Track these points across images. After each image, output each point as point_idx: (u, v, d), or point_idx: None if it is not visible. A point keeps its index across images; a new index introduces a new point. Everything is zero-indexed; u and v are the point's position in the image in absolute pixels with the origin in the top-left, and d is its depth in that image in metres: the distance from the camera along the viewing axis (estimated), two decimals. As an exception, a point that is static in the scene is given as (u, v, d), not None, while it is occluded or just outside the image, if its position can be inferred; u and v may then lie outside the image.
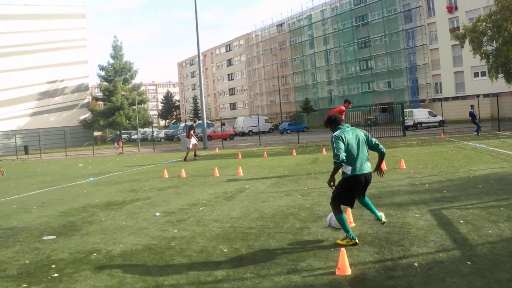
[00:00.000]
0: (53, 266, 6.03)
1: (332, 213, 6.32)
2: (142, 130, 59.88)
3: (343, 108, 14.09)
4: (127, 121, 63.42)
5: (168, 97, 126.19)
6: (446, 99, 56.26)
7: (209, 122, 74.74)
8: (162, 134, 66.09)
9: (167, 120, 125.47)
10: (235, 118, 77.99)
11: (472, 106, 29.38)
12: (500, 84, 48.80)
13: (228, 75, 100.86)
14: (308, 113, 72.74)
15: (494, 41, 33.77)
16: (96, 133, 67.21)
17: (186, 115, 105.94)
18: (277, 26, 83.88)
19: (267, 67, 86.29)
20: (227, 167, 18.23)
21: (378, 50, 64.85)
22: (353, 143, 6.03)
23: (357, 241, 6.15)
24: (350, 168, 6.02)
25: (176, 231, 7.75)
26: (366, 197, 6.62)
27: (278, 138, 44.73)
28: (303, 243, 6.49)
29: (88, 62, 70.83)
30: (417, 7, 58.93)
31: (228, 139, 51.58)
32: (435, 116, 46.56)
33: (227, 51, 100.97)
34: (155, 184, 14.37)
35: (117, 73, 67.02)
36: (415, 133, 36.90)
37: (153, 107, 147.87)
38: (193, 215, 9.06)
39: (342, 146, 5.90)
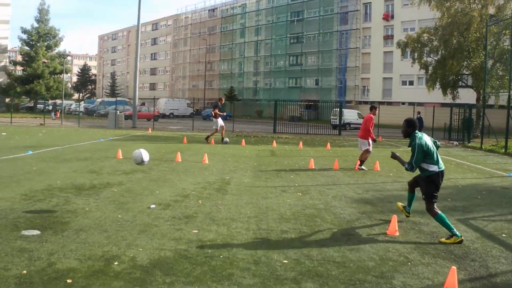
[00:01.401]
0: (68, 280, 4.27)
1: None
2: (59, 101, 55.14)
3: (372, 116, 13.92)
4: (47, 91, 58.01)
5: (85, 70, 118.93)
6: (372, 102, 57.29)
7: (127, 100, 71.30)
8: (81, 108, 61.53)
9: (81, 94, 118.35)
10: (153, 98, 74.98)
11: (419, 113, 29.59)
12: (425, 94, 50.62)
13: (152, 54, 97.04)
14: (232, 102, 71.30)
15: (437, 53, 34.35)
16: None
17: (103, 90, 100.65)
18: (209, 10, 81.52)
19: (194, 51, 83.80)
20: (183, 152, 16.52)
21: (310, 47, 64.99)
22: (430, 145, 6.44)
23: (462, 238, 6.16)
24: (435, 166, 6.38)
25: (196, 231, 6.24)
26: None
27: (205, 124, 42.65)
28: (370, 256, 5.47)
29: (9, 22, 64.32)
30: (355, 11, 59.74)
31: (153, 120, 48.99)
32: (363, 118, 47.10)
33: (153, 30, 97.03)
34: (115, 166, 12.44)
35: (40, 38, 61.13)
36: (346, 133, 36.68)
37: (67, 79, 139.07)
38: (197, 210, 7.56)
39: (420, 158, 6.32)
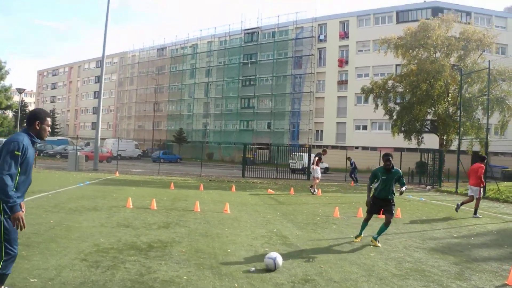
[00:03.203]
0: None
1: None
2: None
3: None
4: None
5: (22, 106, 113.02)
6: (326, 146, 57.85)
7: (69, 139, 68.41)
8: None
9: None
10: (101, 139, 72.26)
11: (350, 158, 30.59)
12: (379, 139, 52.06)
13: (95, 92, 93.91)
14: (180, 144, 69.98)
15: (402, 99, 35.23)
16: None
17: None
18: (158, 49, 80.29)
19: (140, 91, 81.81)
20: (182, 199, 15.49)
21: (263, 90, 65.28)
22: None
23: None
24: None
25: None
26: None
27: (163, 167, 40.73)
28: None
29: None
30: (309, 55, 60.80)
31: (106, 161, 46.99)
32: (322, 162, 47.14)
33: (97, 67, 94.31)
34: (139, 217, 11.22)
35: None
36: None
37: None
38: (303, 271, 6.75)
39: None
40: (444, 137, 33.46)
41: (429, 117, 36.09)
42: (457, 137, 32.00)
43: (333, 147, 57.19)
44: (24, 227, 4.43)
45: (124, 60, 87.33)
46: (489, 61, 24.93)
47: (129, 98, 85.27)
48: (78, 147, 42.75)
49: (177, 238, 8.78)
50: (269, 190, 21.78)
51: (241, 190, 21.58)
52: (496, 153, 46.47)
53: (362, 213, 13.56)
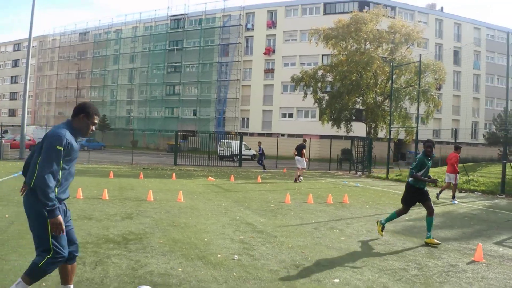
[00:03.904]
0: None
1: None
2: None
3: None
4: None
5: None
6: (252, 134, 58.56)
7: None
8: None
9: None
10: (13, 126, 68.54)
11: (260, 143, 30.85)
12: (304, 127, 53.46)
13: (12, 77, 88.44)
14: (103, 131, 67.87)
15: (332, 88, 36.27)
16: None
17: None
18: (80, 34, 76.75)
19: (61, 76, 77.98)
20: (132, 189, 15.20)
21: (189, 77, 64.54)
22: None
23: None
24: None
25: (337, 280, 5.60)
26: None
27: (93, 154, 38.88)
28: None
29: None
30: (236, 43, 60.78)
31: (28, 149, 44.59)
32: (250, 149, 47.77)
33: (14, 51, 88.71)
34: (96, 208, 10.88)
35: None
36: (244, 164, 36.62)
37: None
38: (287, 257, 6.90)
39: None
40: (372, 125, 34.87)
41: (358, 106, 37.41)
42: (384, 125, 33.58)
43: (259, 134, 57.81)
44: (63, 232, 4.09)
45: (44, 44, 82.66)
46: (420, 54, 26.30)
47: (49, 84, 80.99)
48: (5, 136, 40.17)
49: (147, 229, 8.61)
50: (210, 178, 21.77)
51: (181, 178, 21.39)
52: (421, 141, 49.22)
53: (312, 199, 13.97)
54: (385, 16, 37.21)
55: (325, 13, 56.32)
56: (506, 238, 9.39)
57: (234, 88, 60.84)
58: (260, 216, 10.80)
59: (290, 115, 58.09)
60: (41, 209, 3.98)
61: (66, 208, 4.32)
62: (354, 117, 38.24)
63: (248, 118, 61.35)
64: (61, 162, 4.03)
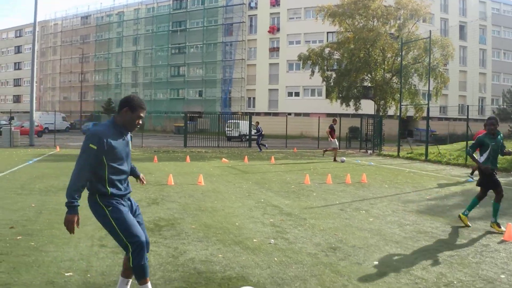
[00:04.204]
0: None
1: None
2: None
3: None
4: None
5: None
6: (258, 113, 58.50)
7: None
8: None
9: None
10: (17, 112, 68.59)
11: (257, 123, 30.27)
12: (311, 105, 53.36)
13: (15, 63, 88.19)
14: (110, 114, 67.90)
15: (340, 66, 36.02)
16: None
17: None
18: (82, 17, 76.31)
19: (65, 61, 77.86)
20: (150, 173, 15.28)
21: (194, 58, 64.32)
22: None
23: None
24: None
25: (376, 262, 5.66)
26: None
27: None
28: None
29: None
30: (240, 23, 60.40)
31: (36, 135, 44.79)
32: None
33: (16, 37, 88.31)
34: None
35: None
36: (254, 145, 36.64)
37: None
38: (323, 240, 7.02)
39: None
40: (381, 103, 34.75)
41: (366, 83, 37.24)
42: (393, 102, 33.45)
43: (266, 113, 57.93)
44: (73, 232, 4.02)
45: (46, 29, 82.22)
46: (430, 30, 26.06)
47: (53, 69, 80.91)
48: (13, 123, 40.29)
49: (176, 214, 8.70)
50: (224, 159, 21.85)
51: (195, 160, 21.48)
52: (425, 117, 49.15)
53: (331, 179, 14.04)
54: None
55: (329, -11, 55.69)
56: (531, 215, 9.43)
57: (239, 68, 60.63)
58: (284, 198, 10.88)
59: (297, 94, 57.95)
60: (100, 210, 4.03)
61: (132, 203, 4.31)
62: (362, 95, 38.10)
63: (254, 98, 61.27)
64: (104, 160, 3.96)
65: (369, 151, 30.24)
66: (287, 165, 20.25)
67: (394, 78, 34.57)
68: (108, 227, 4.05)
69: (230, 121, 44.74)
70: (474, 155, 8.15)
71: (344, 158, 23.14)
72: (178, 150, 29.03)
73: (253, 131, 33.21)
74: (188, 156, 22.33)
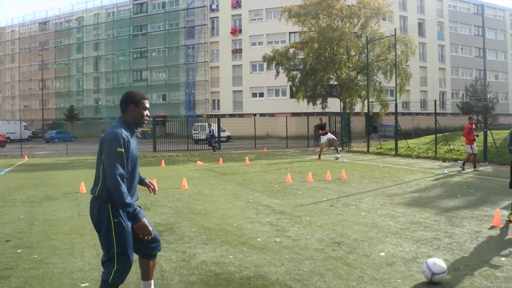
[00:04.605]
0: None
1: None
2: None
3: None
4: None
5: None
6: (223, 115, 58.47)
7: None
8: None
9: None
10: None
11: (210, 125, 30.30)
12: (276, 105, 53.78)
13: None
14: (72, 122, 66.69)
15: (305, 66, 36.36)
16: None
17: None
18: (40, 23, 74.56)
19: (23, 68, 75.88)
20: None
21: (156, 62, 63.82)
22: None
23: None
24: None
25: (383, 253, 5.88)
26: None
27: (68, 147, 38.21)
28: None
29: None
30: (202, 25, 60.26)
31: (1, 145, 43.75)
32: (224, 131, 47.80)
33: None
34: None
35: None
36: (224, 146, 36.76)
37: None
38: (324, 235, 7.18)
39: None
40: (347, 101, 35.34)
41: (331, 82, 37.76)
42: (359, 100, 34.10)
43: (231, 115, 58.01)
44: (152, 235, 3.93)
45: (3, 36, 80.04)
46: (395, 28, 26.79)
47: (11, 77, 78.78)
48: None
49: (172, 219, 8.71)
50: (198, 162, 21.84)
51: (170, 164, 21.41)
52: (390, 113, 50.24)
53: (312, 177, 14.27)
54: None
55: (290, -10, 56.26)
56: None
57: (202, 71, 60.53)
58: (271, 197, 11.02)
59: (261, 95, 58.26)
60: (106, 218, 3.82)
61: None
62: (328, 93, 38.63)
63: (218, 100, 61.28)
64: (126, 163, 3.81)
65: (339, 149, 30.66)
66: (262, 165, 20.40)
67: (359, 76, 35.24)
68: (106, 236, 3.84)
69: (197, 124, 44.55)
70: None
71: (339, 155, 23.43)
72: (148, 155, 28.78)
73: (223, 133, 33.30)
74: (162, 160, 22.20)
